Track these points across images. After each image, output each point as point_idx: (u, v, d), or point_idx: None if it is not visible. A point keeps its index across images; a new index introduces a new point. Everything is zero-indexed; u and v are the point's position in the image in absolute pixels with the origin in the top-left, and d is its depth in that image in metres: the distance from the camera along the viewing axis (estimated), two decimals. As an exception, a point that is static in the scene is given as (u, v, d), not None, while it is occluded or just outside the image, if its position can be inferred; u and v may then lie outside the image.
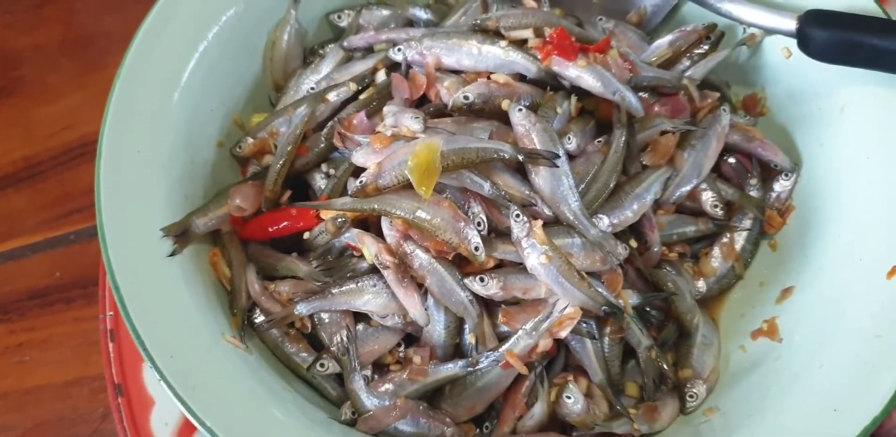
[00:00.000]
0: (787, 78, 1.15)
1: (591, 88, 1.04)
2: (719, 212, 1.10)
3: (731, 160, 1.17)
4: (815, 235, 1.07)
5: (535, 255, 0.93)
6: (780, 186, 1.13)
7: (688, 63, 1.17)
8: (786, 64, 1.13)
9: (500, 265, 0.98)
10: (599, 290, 0.97)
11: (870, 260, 0.98)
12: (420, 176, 0.92)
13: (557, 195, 0.97)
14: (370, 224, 1.03)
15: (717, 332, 1.10)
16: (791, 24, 1.03)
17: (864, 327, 0.94)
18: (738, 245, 1.12)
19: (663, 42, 1.17)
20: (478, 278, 0.95)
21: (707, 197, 1.11)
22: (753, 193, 1.13)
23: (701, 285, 1.11)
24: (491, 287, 0.95)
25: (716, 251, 1.12)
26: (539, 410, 0.98)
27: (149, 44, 1.06)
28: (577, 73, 1.04)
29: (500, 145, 0.96)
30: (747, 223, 1.13)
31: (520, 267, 0.96)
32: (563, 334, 0.95)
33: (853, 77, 1.04)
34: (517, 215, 0.94)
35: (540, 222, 0.94)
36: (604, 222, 1.00)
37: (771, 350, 1.03)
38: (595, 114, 1.09)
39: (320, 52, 1.22)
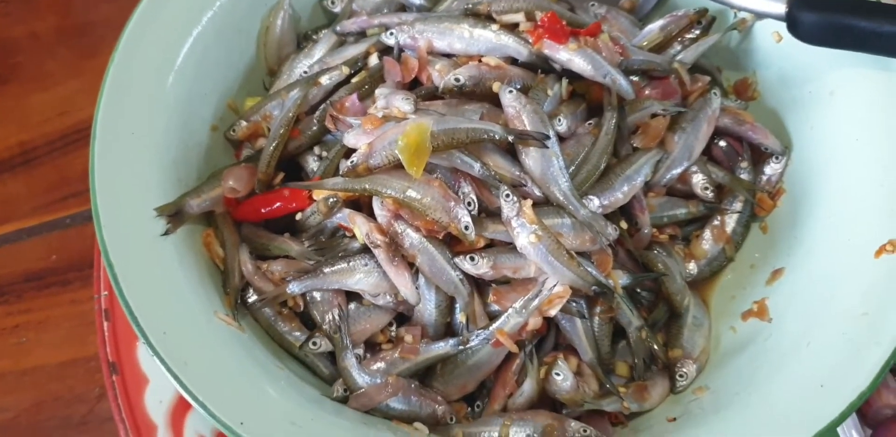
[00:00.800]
0: (777, 62, 1.16)
1: (582, 70, 1.05)
2: (710, 194, 1.11)
3: (722, 144, 1.17)
4: (804, 217, 1.08)
5: (524, 234, 0.94)
6: (771, 169, 1.14)
7: (679, 48, 1.18)
8: (776, 48, 1.14)
9: (491, 245, 0.99)
10: (589, 269, 0.97)
11: (858, 240, 0.98)
12: (410, 156, 0.93)
13: (547, 176, 0.97)
14: (362, 205, 1.03)
15: (707, 313, 1.11)
16: (780, 8, 1.04)
17: (851, 306, 0.95)
18: (729, 228, 1.13)
19: (654, 27, 1.18)
20: (468, 257, 0.96)
21: (697, 180, 1.11)
22: (744, 176, 1.14)
23: (692, 267, 1.12)
24: (481, 266, 0.96)
25: (707, 234, 1.13)
26: (529, 387, 0.98)
27: (143, 28, 1.06)
28: (568, 56, 1.05)
29: (491, 126, 0.97)
30: (738, 206, 1.13)
31: (510, 246, 0.97)
32: (553, 312, 0.96)
33: (842, 60, 1.05)
34: (507, 195, 0.95)
35: (530, 202, 0.95)
36: (594, 203, 1.00)
37: (761, 330, 1.04)
38: (586, 97, 1.09)
39: (314, 37, 1.22)
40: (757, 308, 1.07)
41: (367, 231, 0.96)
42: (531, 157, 0.98)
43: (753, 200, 1.13)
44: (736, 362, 1.03)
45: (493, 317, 0.99)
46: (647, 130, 1.08)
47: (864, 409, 1.10)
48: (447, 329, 1.02)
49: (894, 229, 0.96)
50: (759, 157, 1.16)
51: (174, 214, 1.01)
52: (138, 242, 0.97)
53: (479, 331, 0.97)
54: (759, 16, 1.12)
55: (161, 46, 1.08)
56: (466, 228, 0.94)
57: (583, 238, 0.98)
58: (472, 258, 0.96)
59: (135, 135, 1.03)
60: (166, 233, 0.99)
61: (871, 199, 0.99)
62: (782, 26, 1.06)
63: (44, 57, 1.46)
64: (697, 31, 1.18)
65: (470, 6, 1.12)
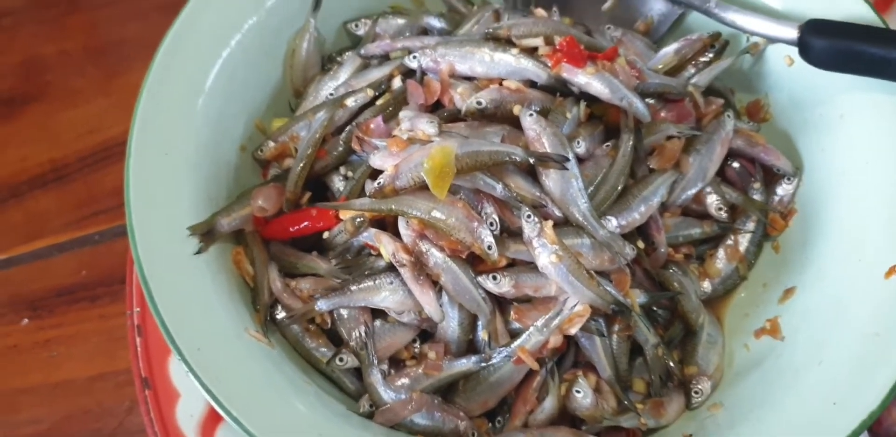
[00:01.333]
0: (789, 85, 1.18)
1: (600, 94, 1.08)
2: (724, 215, 1.14)
3: (736, 165, 1.20)
4: (816, 236, 1.11)
5: (545, 254, 0.97)
6: (783, 189, 1.16)
7: (693, 70, 1.21)
8: (788, 71, 1.17)
9: (513, 264, 1.02)
10: (608, 288, 1.00)
11: (869, 261, 1.01)
12: (435, 178, 0.96)
13: (567, 197, 1.01)
14: (387, 224, 1.06)
15: (721, 331, 1.13)
16: (792, 33, 1.07)
17: (862, 326, 0.98)
18: (742, 247, 1.15)
19: (669, 50, 1.21)
20: (490, 275, 0.99)
21: (712, 200, 1.14)
22: (757, 197, 1.17)
23: (706, 285, 1.15)
24: (503, 285, 0.99)
25: (720, 253, 1.16)
26: (550, 404, 1.01)
27: (174, 51, 1.10)
28: (587, 79, 1.08)
29: (512, 148, 1.00)
30: (750, 226, 1.16)
31: (531, 266, 1.00)
32: (573, 331, 0.99)
33: (852, 85, 1.08)
34: (528, 216, 0.98)
35: (550, 223, 0.98)
36: (612, 223, 1.03)
37: (773, 348, 1.07)
38: (603, 119, 1.13)
39: (338, 59, 1.26)
40: (770, 326, 1.09)
41: (394, 250, 0.99)
42: (551, 178, 1.01)
43: (766, 221, 1.16)
44: (750, 379, 1.06)
45: (514, 334, 1.02)
46: (663, 151, 1.11)
47: (874, 426, 1.12)
48: (469, 346, 1.04)
49: (904, 251, 0.99)
50: (772, 178, 1.18)
51: (206, 233, 1.04)
52: (172, 260, 1.00)
53: (501, 348, 1.00)
54: (772, 40, 1.14)
55: (191, 70, 1.11)
56: (490, 248, 0.97)
57: (602, 258, 1.01)
58: (494, 277, 0.99)
59: (168, 155, 1.06)
60: (199, 251, 1.03)
61: (882, 220, 1.02)
62: (794, 50, 1.10)
63: (73, 75, 1.50)
64: (711, 55, 1.21)
65: (490, 30, 1.15)
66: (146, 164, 1.04)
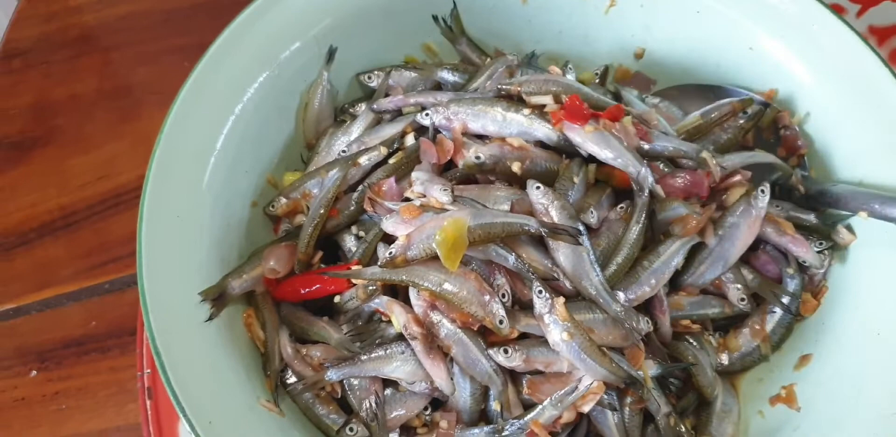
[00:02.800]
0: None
1: (596, 153, 1.06)
2: (745, 305, 1.10)
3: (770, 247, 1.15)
4: (832, 305, 1.10)
5: (557, 331, 0.96)
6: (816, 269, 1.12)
7: (722, 134, 1.18)
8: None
9: (525, 336, 1.01)
10: (621, 364, 0.99)
11: (887, 335, 1.00)
12: (447, 250, 0.95)
13: (579, 271, 0.99)
14: (398, 290, 1.05)
15: (736, 398, 1.11)
16: None
17: (880, 404, 0.97)
18: (769, 327, 1.11)
19: (696, 112, 1.18)
20: (502, 349, 0.98)
21: (733, 291, 1.10)
22: (791, 282, 1.12)
23: (724, 358, 1.12)
24: (514, 359, 0.98)
25: (745, 330, 1.12)
26: (562, 478, 1.00)
27: (186, 110, 1.09)
28: (583, 138, 1.06)
29: (525, 220, 0.98)
30: (778, 312, 1.11)
31: (542, 340, 0.99)
32: (587, 408, 0.98)
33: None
34: (539, 291, 0.97)
35: (562, 300, 0.97)
36: (619, 297, 1.01)
37: (789, 419, 1.05)
38: (610, 182, 1.10)
39: (350, 111, 1.25)
40: (785, 394, 1.08)
41: (405, 322, 0.99)
42: (562, 252, 1.00)
43: (792, 311, 1.10)
44: (766, 451, 1.05)
45: (527, 405, 1.01)
46: (685, 222, 1.07)
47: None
48: (481, 415, 1.03)
49: (924, 325, 0.98)
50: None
51: (217, 298, 1.04)
52: (184, 329, 0.99)
53: (515, 421, 0.98)
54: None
55: (203, 129, 1.10)
56: (501, 322, 0.96)
57: (615, 334, 1.00)
58: (505, 351, 0.98)
59: (180, 218, 1.05)
60: (210, 318, 1.02)
61: (901, 292, 1.00)
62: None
63: (83, 119, 1.49)
64: (742, 121, 1.18)
65: (501, 87, 1.14)
66: (159, 229, 1.03)
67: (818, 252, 1.11)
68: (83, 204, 1.42)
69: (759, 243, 1.13)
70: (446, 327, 0.99)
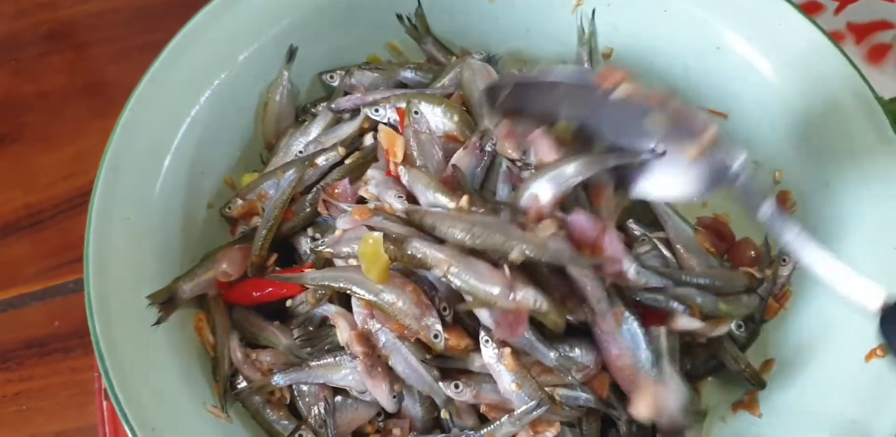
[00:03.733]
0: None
1: None
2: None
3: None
4: (795, 311, 1.07)
5: (506, 381, 0.94)
6: (781, 271, 1.11)
7: None
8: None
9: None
10: (578, 401, 0.98)
11: (848, 342, 0.98)
12: (367, 263, 0.93)
13: None
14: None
15: (700, 402, 1.10)
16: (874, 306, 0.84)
17: (841, 411, 0.94)
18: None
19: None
20: (453, 384, 0.96)
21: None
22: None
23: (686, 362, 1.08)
24: (464, 394, 0.96)
25: None
26: (516, 490, 0.98)
27: (140, 111, 1.07)
28: None
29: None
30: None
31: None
32: None
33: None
34: (486, 341, 0.94)
35: (508, 350, 0.94)
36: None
37: (751, 426, 1.03)
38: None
39: (312, 110, 1.23)
40: (748, 400, 1.06)
41: (347, 340, 0.97)
42: (483, 310, 0.95)
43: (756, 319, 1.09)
44: (725, 460, 1.03)
45: (478, 413, 0.99)
46: None
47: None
48: (436, 423, 1.02)
49: (885, 333, 0.95)
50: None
51: (166, 301, 1.02)
52: (131, 332, 0.98)
53: (471, 433, 0.96)
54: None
55: (157, 130, 1.08)
56: (436, 336, 0.93)
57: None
58: (456, 385, 0.96)
59: (130, 220, 1.04)
60: (158, 322, 1.01)
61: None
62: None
63: (52, 117, 1.48)
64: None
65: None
66: (107, 231, 1.01)
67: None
68: (49, 203, 1.41)
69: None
70: (385, 336, 0.97)
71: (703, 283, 1.05)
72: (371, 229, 0.96)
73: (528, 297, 0.90)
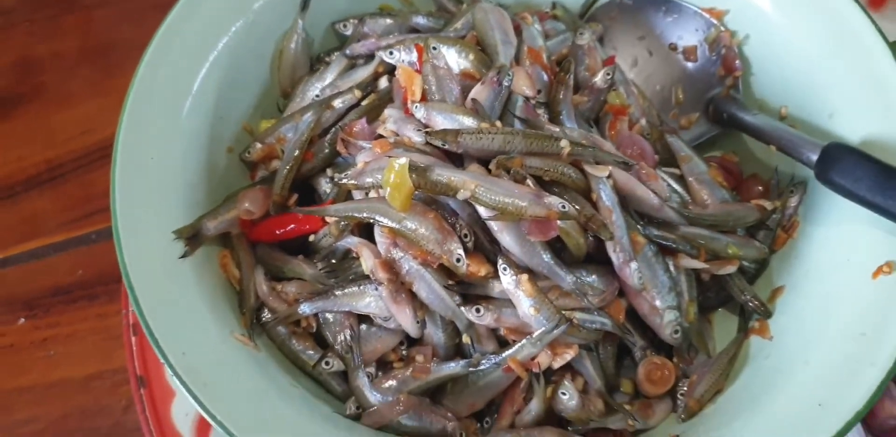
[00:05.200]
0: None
1: None
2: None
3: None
4: (804, 237, 1.10)
5: (524, 305, 0.97)
6: (790, 201, 1.14)
7: None
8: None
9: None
10: (593, 324, 1.01)
11: (856, 261, 1.01)
12: (392, 190, 0.95)
13: (527, 250, 0.98)
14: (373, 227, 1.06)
15: (711, 331, 1.13)
16: (812, 157, 1.04)
17: (849, 326, 0.97)
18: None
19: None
20: (474, 308, 0.99)
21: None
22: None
23: None
24: (485, 318, 0.99)
25: None
26: (536, 406, 1.01)
27: (161, 54, 1.10)
28: None
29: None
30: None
31: None
32: (559, 364, 0.99)
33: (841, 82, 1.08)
34: (504, 269, 0.97)
35: (526, 276, 0.96)
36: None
37: (762, 348, 1.07)
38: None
39: (326, 59, 1.25)
40: (758, 326, 1.09)
41: (372, 268, 1.00)
42: (507, 233, 0.97)
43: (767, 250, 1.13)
44: (739, 380, 1.06)
45: (501, 341, 1.03)
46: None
47: (868, 420, 1.12)
48: (457, 349, 1.05)
49: (891, 251, 0.98)
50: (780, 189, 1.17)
51: (192, 237, 1.05)
52: (158, 264, 1.01)
53: (492, 356, 1.00)
54: (791, 156, 1.09)
55: (178, 73, 1.11)
56: (458, 260, 0.96)
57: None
58: (477, 310, 0.99)
59: (154, 160, 1.06)
60: (184, 255, 1.03)
61: (869, 220, 1.00)
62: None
63: (67, 76, 1.51)
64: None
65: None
66: (132, 169, 1.04)
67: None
68: (69, 157, 1.44)
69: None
70: (408, 264, 0.99)
71: (715, 221, 1.10)
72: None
73: (555, 202, 0.92)
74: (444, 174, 0.95)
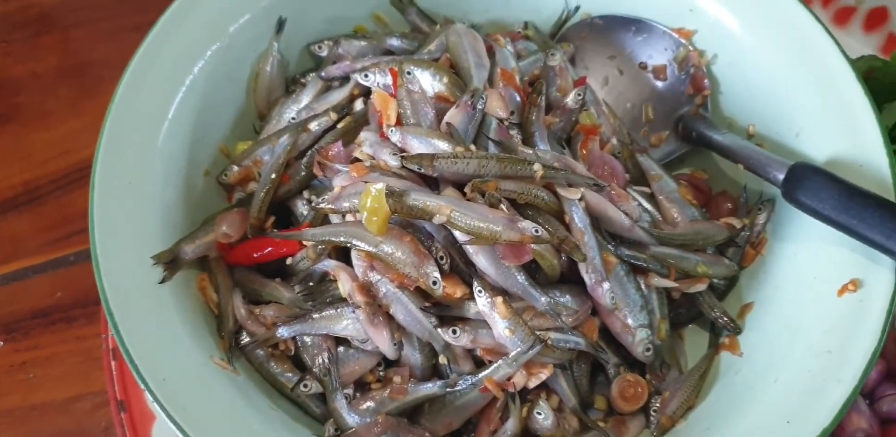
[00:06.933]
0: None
1: None
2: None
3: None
4: (773, 254, 1.13)
5: (500, 327, 0.98)
6: (757, 219, 1.16)
7: None
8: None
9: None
10: (567, 344, 1.03)
11: (822, 279, 1.03)
12: (368, 214, 0.96)
13: (501, 272, 1.00)
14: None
15: (683, 348, 1.16)
16: (779, 177, 1.06)
17: (816, 343, 1.00)
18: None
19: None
20: (451, 329, 1.00)
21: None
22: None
23: None
24: (462, 339, 1.00)
25: None
26: (512, 425, 1.02)
27: (137, 79, 1.11)
28: None
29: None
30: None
31: None
32: (534, 384, 1.01)
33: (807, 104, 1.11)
34: (479, 291, 0.99)
35: (500, 298, 0.98)
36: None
37: (732, 364, 1.09)
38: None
39: (302, 81, 1.27)
40: (728, 342, 1.11)
41: (350, 291, 1.01)
42: (482, 255, 0.99)
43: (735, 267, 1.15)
44: (709, 396, 1.08)
45: (477, 361, 1.04)
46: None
47: (837, 433, 1.14)
48: (434, 370, 1.06)
49: (856, 269, 1.01)
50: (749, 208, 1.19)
51: (170, 261, 1.06)
52: (137, 290, 1.02)
53: (468, 376, 1.01)
54: (758, 175, 1.12)
55: (155, 98, 1.12)
56: (434, 283, 0.98)
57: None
58: (454, 331, 1.00)
59: (132, 184, 1.07)
60: (163, 280, 1.04)
61: (834, 238, 1.02)
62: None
63: (45, 96, 1.51)
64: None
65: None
66: (110, 194, 1.05)
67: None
68: (46, 179, 1.44)
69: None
70: (385, 287, 1.01)
71: (684, 241, 1.12)
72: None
73: (528, 227, 0.94)
74: (420, 199, 0.96)
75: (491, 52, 1.19)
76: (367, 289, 1.01)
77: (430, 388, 1.03)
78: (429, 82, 1.13)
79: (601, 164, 1.16)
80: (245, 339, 1.08)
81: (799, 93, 1.13)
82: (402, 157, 1.02)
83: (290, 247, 1.09)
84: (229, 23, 1.20)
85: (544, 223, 1.00)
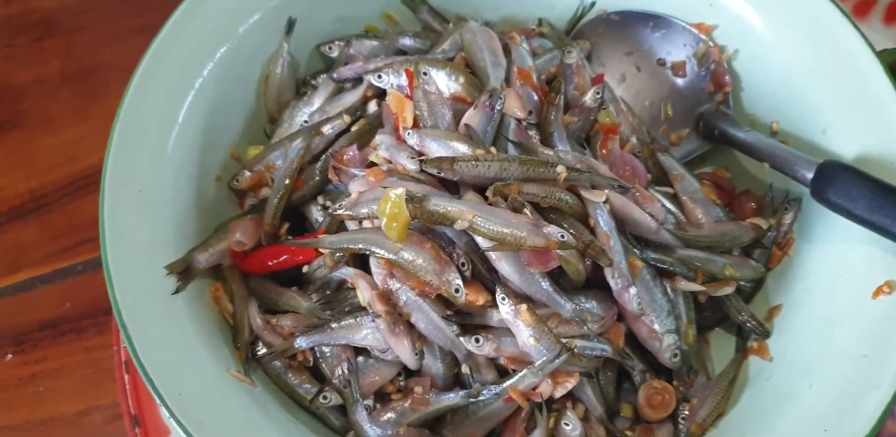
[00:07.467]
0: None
1: None
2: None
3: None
4: (802, 254, 1.10)
5: (524, 335, 0.96)
6: (784, 219, 1.13)
7: None
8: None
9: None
10: (593, 351, 1.00)
11: (855, 280, 1.00)
12: (388, 220, 0.93)
13: (525, 279, 0.97)
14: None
15: (710, 353, 1.12)
16: (807, 175, 1.03)
17: (850, 347, 0.97)
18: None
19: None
20: (473, 338, 0.97)
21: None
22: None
23: None
24: (485, 348, 0.98)
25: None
26: (539, 436, 0.99)
27: (146, 84, 1.08)
28: None
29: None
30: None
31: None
32: (560, 393, 0.98)
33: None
34: (503, 299, 0.96)
35: (525, 306, 0.95)
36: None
37: (762, 369, 1.06)
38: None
39: (313, 82, 1.24)
40: (757, 346, 1.08)
41: (369, 300, 0.98)
42: (505, 262, 0.96)
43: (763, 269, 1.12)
44: (739, 402, 1.05)
45: (500, 370, 1.01)
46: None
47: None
48: (456, 379, 1.03)
49: (891, 270, 0.98)
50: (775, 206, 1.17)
51: (183, 271, 1.03)
52: (150, 301, 0.99)
53: (492, 386, 0.98)
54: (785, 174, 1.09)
55: (164, 103, 1.09)
56: (457, 291, 0.95)
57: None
58: (476, 340, 0.97)
59: (142, 192, 1.04)
60: (177, 291, 1.01)
61: (865, 238, 1.00)
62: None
63: (50, 102, 1.48)
64: None
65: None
66: (120, 202, 1.02)
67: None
68: (53, 187, 1.41)
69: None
70: (406, 295, 0.98)
71: (711, 243, 1.09)
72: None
73: (554, 232, 0.91)
74: (441, 204, 0.93)
75: (507, 51, 1.16)
76: (387, 297, 0.98)
77: (453, 398, 1.00)
78: (444, 82, 1.10)
79: (622, 164, 1.13)
80: (262, 350, 1.06)
81: (825, 88, 1.10)
82: (421, 160, 0.99)
83: (306, 254, 1.06)
84: (238, 23, 1.17)
85: (569, 227, 0.97)
